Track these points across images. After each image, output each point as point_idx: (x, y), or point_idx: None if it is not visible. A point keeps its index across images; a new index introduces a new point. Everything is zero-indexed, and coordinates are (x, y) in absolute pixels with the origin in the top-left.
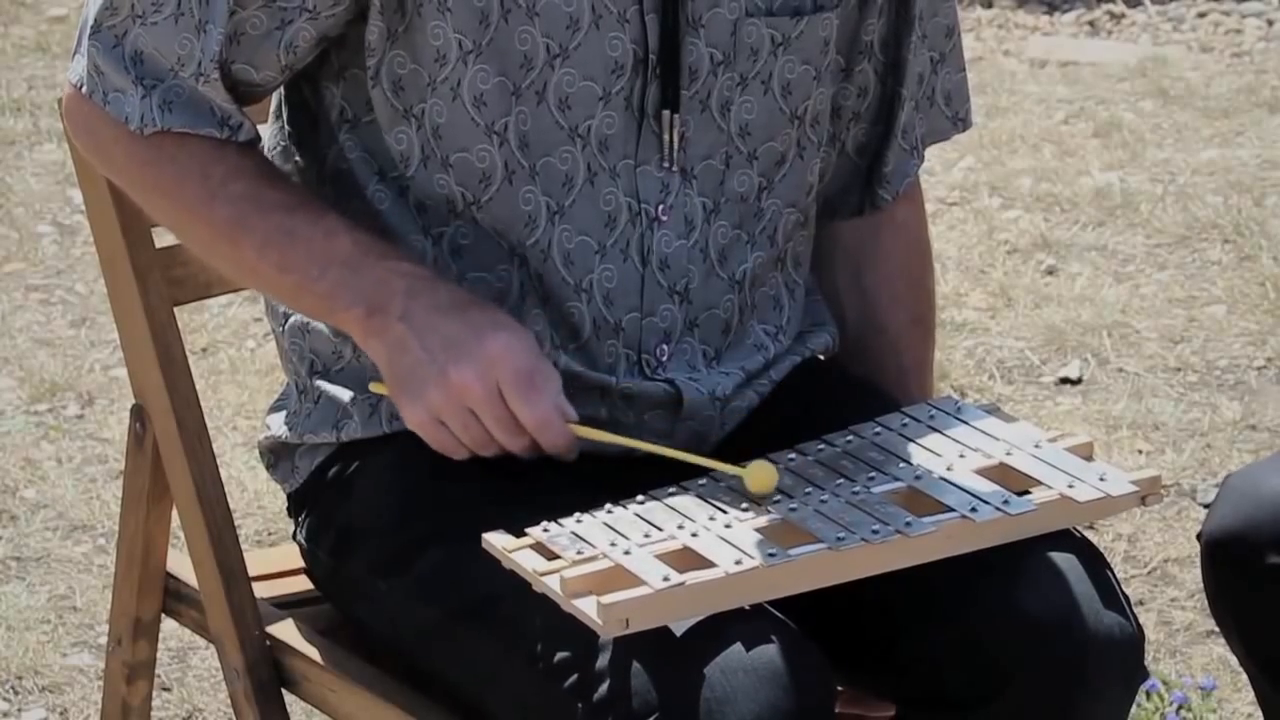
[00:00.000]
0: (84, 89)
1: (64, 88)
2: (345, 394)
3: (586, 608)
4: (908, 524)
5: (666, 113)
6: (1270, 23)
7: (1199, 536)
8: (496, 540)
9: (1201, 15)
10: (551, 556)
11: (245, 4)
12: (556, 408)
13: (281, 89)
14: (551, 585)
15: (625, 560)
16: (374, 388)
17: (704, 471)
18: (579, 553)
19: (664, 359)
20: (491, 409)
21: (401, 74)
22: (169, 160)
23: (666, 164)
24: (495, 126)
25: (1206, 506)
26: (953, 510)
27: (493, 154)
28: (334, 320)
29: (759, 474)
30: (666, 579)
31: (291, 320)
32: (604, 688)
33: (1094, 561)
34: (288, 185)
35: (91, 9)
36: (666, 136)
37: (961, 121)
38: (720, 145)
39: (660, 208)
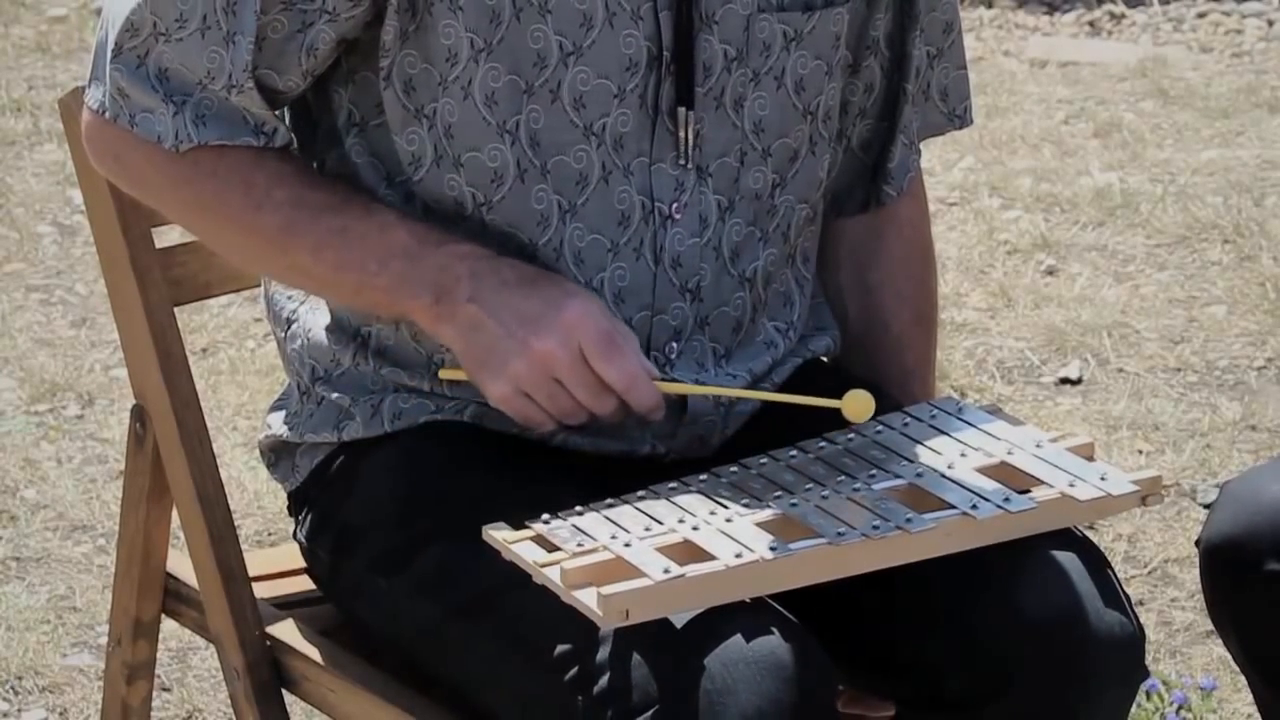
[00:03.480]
0: (106, 114)
1: (83, 117)
2: (347, 399)
3: (587, 599)
4: (908, 520)
5: (682, 110)
6: (1270, 23)
7: (1198, 543)
8: (497, 532)
9: (1201, 15)
10: (552, 548)
11: (268, 9)
12: (642, 365)
13: None
14: (552, 576)
15: (626, 552)
16: (444, 374)
17: (710, 465)
18: (579, 545)
19: (673, 357)
20: (578, 374)
21: (413, 74)
22: (208, 175)
23: (682, 161)
24: (507, 125)
25: (1206, 507)
26: (954, 507)
27: (504, 153)
28: (400, 312)
29: (856, 403)
30: (667, 571)
31: (293, 327)
32: (604, 680)
33: (1095, 561)
34: (331, 185)
35: (110, 32)
36: (682, 134)
37: (959, 118)
38: (735, 142)
39: (674, 206)
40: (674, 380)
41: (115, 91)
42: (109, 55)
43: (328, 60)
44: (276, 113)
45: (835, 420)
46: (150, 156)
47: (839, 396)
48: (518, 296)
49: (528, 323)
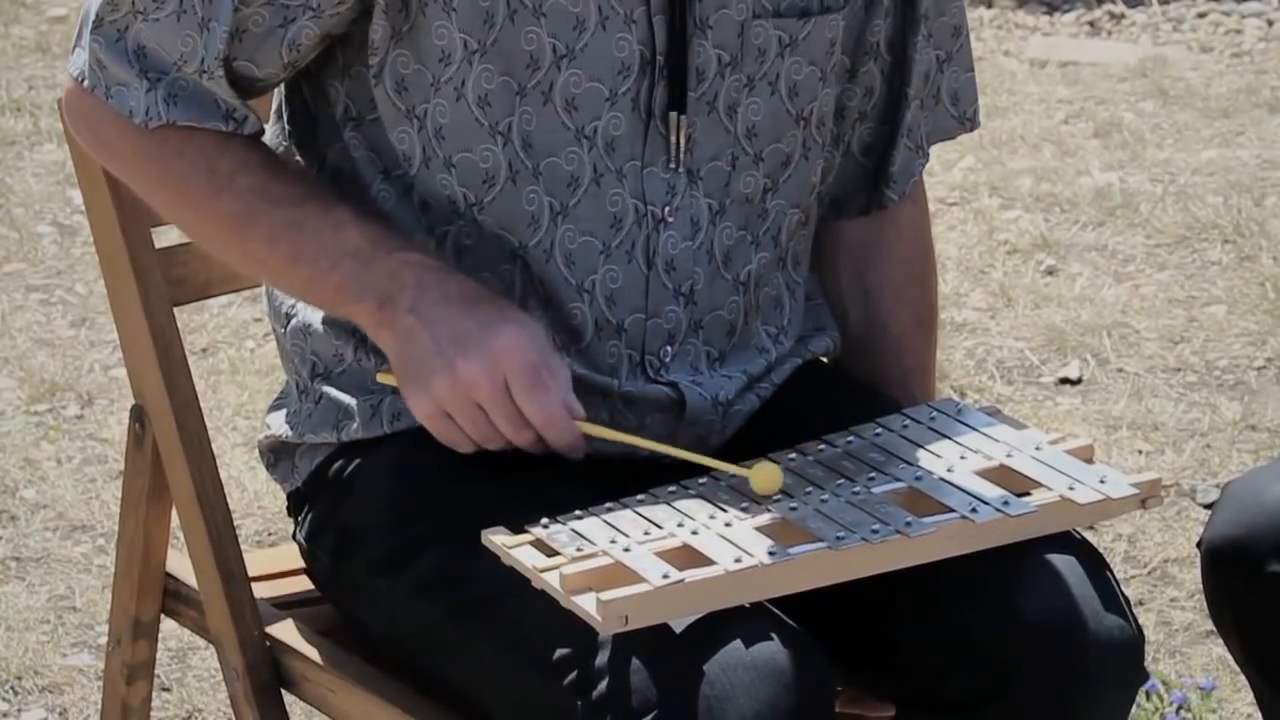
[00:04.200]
0: (85, 82)
1: (64, 81)
2: (346, 397)
3: (586, 604)
4: (908, 524)
5: (674, 114)
6: (1270, 23)
7: (1199, 544)
8: (496, 537)
9: (1201, 15)
10: (551, 553)
11: (248, 1)
12: (564, 404)
13: (282, 89)
14: (551, 581)
15: (625, 557)
16: (381, 378)
17: (707, 471)
18: (579, 549)
19: (667, 360)
20: (498, 404)
21: (405, 74)
22: (174, 154)
23: (673, 165)
24: (499, 127)
25: (1206, 507)
26: (953, 511)
27: (496, 154)
28: (345, 312)
29: (764, 475)
30: (666, 576)
31: (293, 322)
32: (603, 685)
33: (1094, 563)
34: (295, 178)
35: (92, 4)
36: (674, 138)
37: (969, 121)
38: (727, 146)
39: (666, 209)
40: (595, 424)
41: (94, 62)
42: (90, 25)
43: (311, 54)
44: (253, 101)
45: (834, 422)
46: (121, 129)
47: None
48: (456, 313)
49: (458, 342)
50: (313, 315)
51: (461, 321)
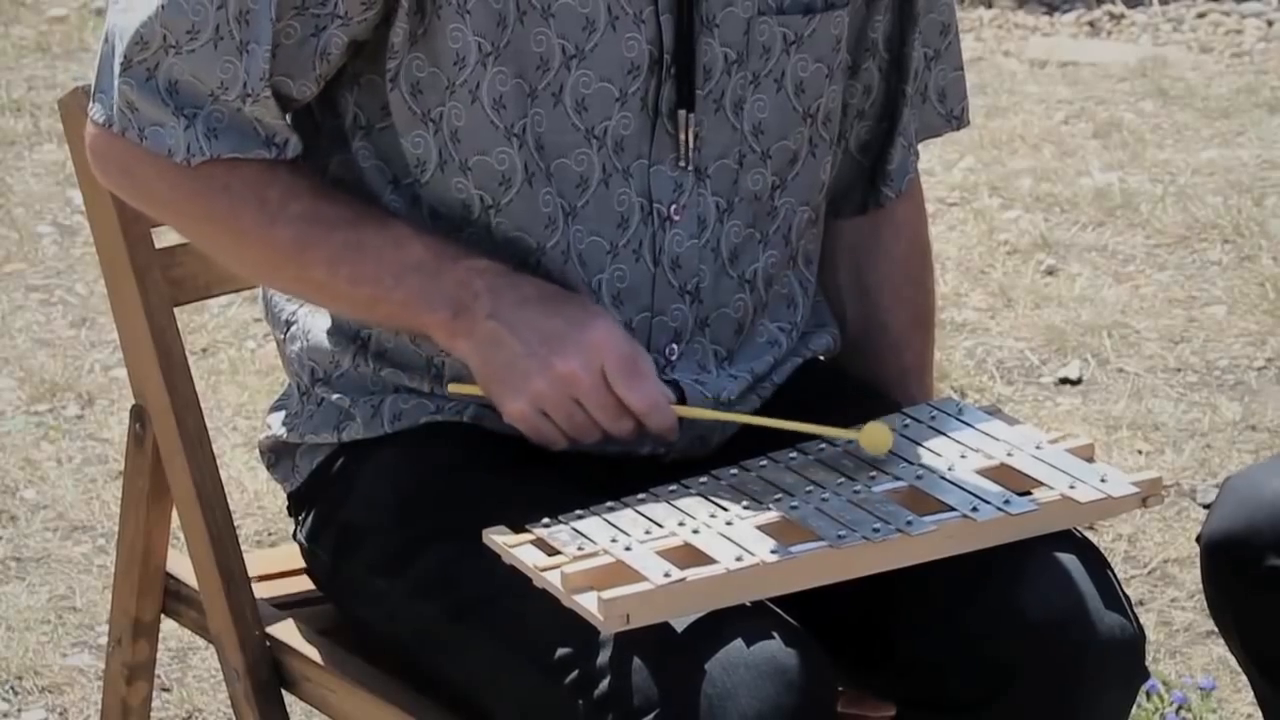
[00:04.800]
0: (115, 127)
1: (87, 131)
2: (347, 399)
3: (587, 603)
4: (909, 523)
5: (682, 112)
6: (1270, 23)
7: (1199, 539)
8: (497, 536)
9: (1201, 15)
10: (552, 552)
11: (281, 16)
12: (662, 390)
13: None
14: (552, 580)
15: (626, 556)
16: (454, 389)
17: (706, 467)
18: (580, 548)
19: (673, 359)
20: (599, 396)
21: (420, 77)
22: (221, 190)
23: (681, 163)
24: (514, 129)
25: (1206, 507)
26: (954, 510)
27: (512, 156)
28: (416, 326)
29: (874, 434)
30: (668, 575)
31: (292, 329)
32: (605, 684)
33: (1094, 562)
34: (345, 198)
35: (117, 45)
36: (682, 136)
37: (956, 119)
38: (734, 144)
39: (673, 207)
40: (691, 406)
41: (124, 105)
42: (117, 69)
43: (340, 63)
44: (288, 121)
45: (835, 422)
46: (161, 170)
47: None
48: (539, 314)
49: (550, 341)
50: (312, 324)
51: (548, 321)
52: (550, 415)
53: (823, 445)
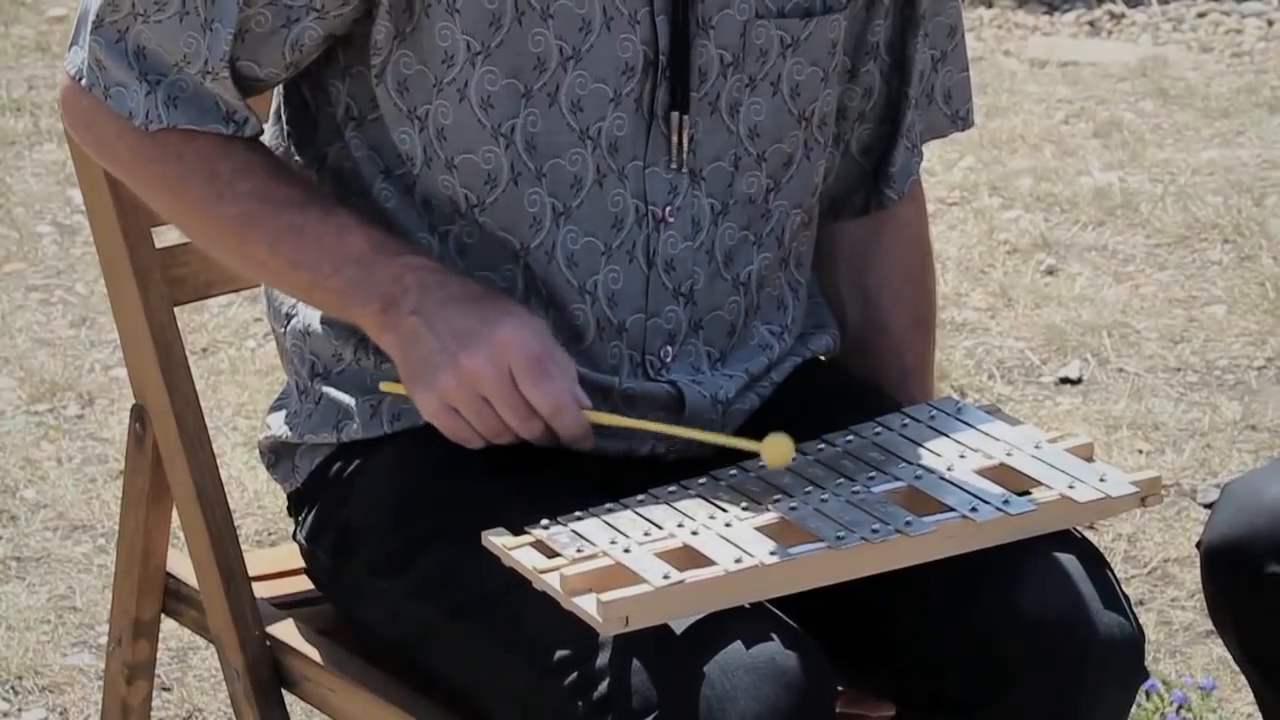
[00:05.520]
0: (84, 81)
1: (61, 81)
2: (346, 397)
3: (586, 605)
4: (908, 523)
5: (676, 114)
6: (1270, 23)
7: (1199, 545)
8: (496, 538)
9: (1201, 15)
10: (551, 554)
11: (252, 2)
12: (570, 392)
13: (281, 90)
14: (551, 583)
15: (625, 558)
16: (385, 387)
17: (705, 466)
18: (579, 550)
19: (668, 360)
20: (504, 394)
21: (407, 74)
22: (175, 158)
23: (675, 165)
24: (502, 129)
25: (1207, 507)
26: (953, 510)
27: (498, 155)
28: (348, 316)
29: (775, 447)
30: (666, 577)
31: (293, 322)
32: (604, 685)
33: (1094, 562)
34: (296, 181)
35: (92, 3)
36: (675, 138)
37: (962, 120)
38: (729, 147)
39: (667, 209)
40: (601, 410)
41: (93, 61)
42: (90, 25)
43: (314, 54)
44: (251, 101)
45: (834, 422)
46: (120, 131)
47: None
48: (458, 311)
49: (461, 338)
50: (312, 316)
51: (463, 318)
52: (460, 412)
53: (821, 445)
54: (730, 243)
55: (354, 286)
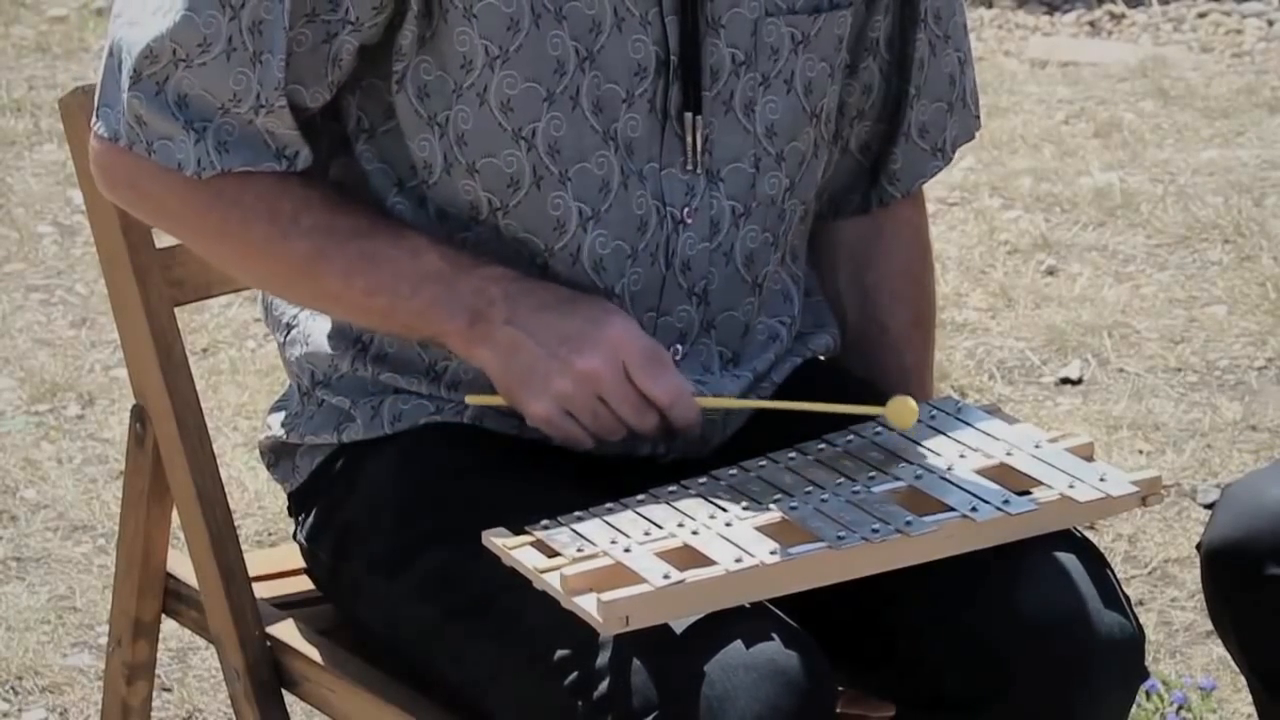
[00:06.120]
0: (122, 141)
1: (91, 145)
2: (347, 401)
3: (587, 605)
4: (908, 523)
5: (689, 115)
6: (1270, 23)
7: (1199, 546)
8: (496, 538)
9: (1201, 15)
10: (552, 554)
11: (294, 25)
12: (684, 382)
13: None
14: (552, 582)
15: (625, 558)
16: (471, 399)
17: (705, 467)
18: (579, 550)
19: (678, 359)
20: (623, 391)
21: (428, 80)
22: (232, 203)
23: (690, 167)
24: (522, 132)
25: (1207, 507)
26: (953, 510)
27: (520, 159)
28: (433, 335)
29: (900, 409)
30: (667, 576)
31: (293, 333)
32: (604, 685)
33: (1094, 562)
34: (358, 209)
35: (125, 60)
36: (689, 139)
37: (977, 119)
38: (748, 147)
39: (685, 210)
40: (712, 394)
41: (132, 119)
42: (125, 83)
43: (351, 70)
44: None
45: (835, 422)
46: (170, 185)
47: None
48: (556, 317)
49: (569, 341)
50: (312, 327)
51: (565, 323)
52: (575, 415)
53: (822, 445)
54: (752, 245)
55: (436, 304)
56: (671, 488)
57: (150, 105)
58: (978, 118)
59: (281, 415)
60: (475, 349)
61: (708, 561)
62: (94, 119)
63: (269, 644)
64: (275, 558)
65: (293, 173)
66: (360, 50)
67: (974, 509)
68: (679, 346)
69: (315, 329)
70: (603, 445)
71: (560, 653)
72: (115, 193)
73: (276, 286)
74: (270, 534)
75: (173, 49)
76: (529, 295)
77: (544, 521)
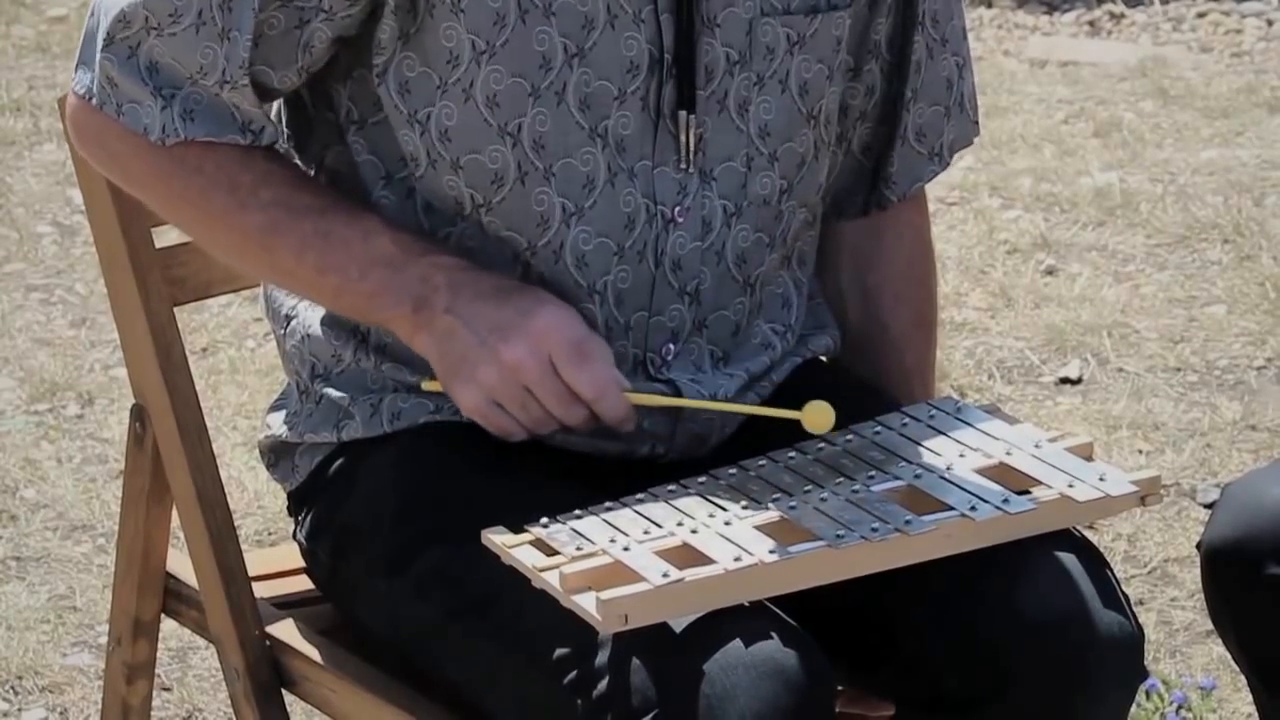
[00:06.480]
0: (94, 100)
1: (68, 100)
2: (346, 397)
3: (586, 603)
4: (907, 522)
5: (683, 113)
6: (1270, 23)
7: (1199, 546)
8: (496, 536)
9: (1201, 15)
10: (551, 552)
11: (265, 6)
12: (612, 375)
13: None
14: (551, 581)
15: (625, 556)
16: (426, 386)
17: (704, 466)
18: (578, 549)
19: (669, 358)
20: (546, 382)
21: (410, 76)
22: (194, 171)
23: (683, 166)
24: (508, 128)
25: (1206, 507)
26: (952, 509)
27: (505, 154)
28: (378, 319)
29: (816, 414)
30: (666, 575)
31: (292, 324)
32: (603, 684)
33: (1094, 561)
34: (317, 187)
35: (101, 21)
36: (683, 137)
37: (976, 124)
38: (741, 147)
39: (676, 209)
40: (642, 392)
41: (104, 80)
42: (99, 44)
43: (324, 58)
44: (266, 108)
45: (836, 422)
46: (136, 148)
47: (835, 401)
48: (491, 306)
49: (498, 330)
50: (312, 318)
51: (497, 312)
52: (503, 405)
53: (821, 445)
54: (744, 245)
55: (384, 288)
56: (671, 487)
57: (122, 69)
58: (976, 123)
59: (281, 414)
60: (417, 335)
61: (707, 560)
62: (73, 73)
63: (269, 644)
64: (275, 557)
65: (257, 147)
66: (341, 41)
67: (973, 508)
68: (670, 345)
69: (315, 319)
70: (602, 445)
71: (560, 652)
72: (85, 150)
73: (233, 257)
74: (270, 534)
75: (145, 16)
76: (472, 284)
77: (543, 520)
